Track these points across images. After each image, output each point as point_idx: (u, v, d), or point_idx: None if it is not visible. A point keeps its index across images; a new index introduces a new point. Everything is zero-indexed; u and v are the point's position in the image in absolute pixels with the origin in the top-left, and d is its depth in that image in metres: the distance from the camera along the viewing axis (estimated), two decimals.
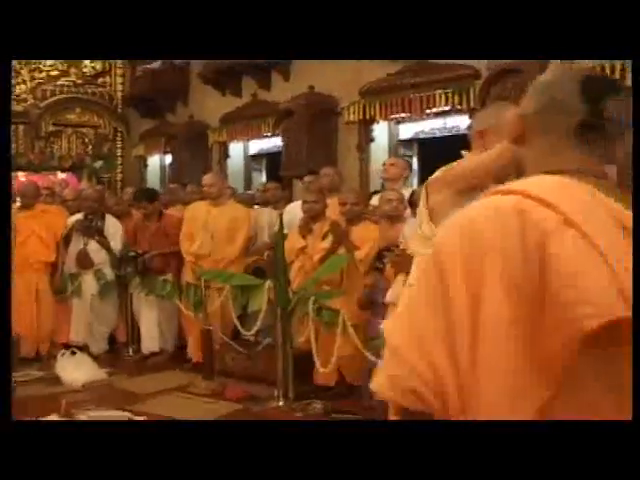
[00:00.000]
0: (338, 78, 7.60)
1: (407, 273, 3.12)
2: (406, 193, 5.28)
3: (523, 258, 1.18)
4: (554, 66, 1.51)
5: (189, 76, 10.02)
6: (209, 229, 6.83)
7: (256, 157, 9.72)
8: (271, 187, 7.36)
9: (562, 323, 1.14)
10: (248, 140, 9.42)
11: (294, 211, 6.41)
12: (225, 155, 9.59)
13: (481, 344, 1.17)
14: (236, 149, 9.64)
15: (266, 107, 8.54)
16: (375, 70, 7.23)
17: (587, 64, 5.19)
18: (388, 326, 1.29)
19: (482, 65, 6.15)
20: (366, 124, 7.44)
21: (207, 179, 7.02)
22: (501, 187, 1.34)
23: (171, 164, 10.45)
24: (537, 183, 1.29)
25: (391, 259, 4.42)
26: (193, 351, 6.94)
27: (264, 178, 9.34)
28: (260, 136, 8.98)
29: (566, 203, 1.21)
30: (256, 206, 7.54)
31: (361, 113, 7.26)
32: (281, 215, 5.93)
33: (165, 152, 10.72)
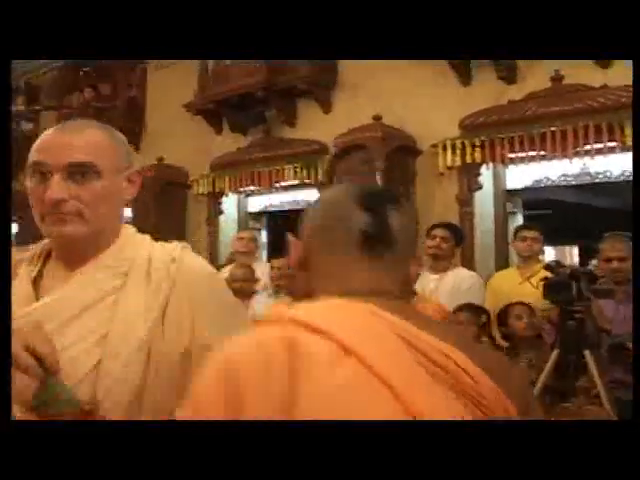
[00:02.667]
0: (188, 150, 7.57)
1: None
2: (257, 266, 5.31)
3: (293, 399, 0.96)
4: (332, 187, 1.40)
5: None
6: None
7: None
8: None
9: None
10: None
11: None
12: None
13: None
14: None
15: None
16: (225, 143, 7.27)
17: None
18: None
19: (329, 141, 6.33)
20: (215, 197, 7.41)
21: None
22: (269, 314, 1.14)
23: None
24: (309, 308, 1.11)
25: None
26: None
27: None
28: None
29: (342, 328, 1.04)
30: None
31: (210, 186, 7.24)
32: None
33: None
